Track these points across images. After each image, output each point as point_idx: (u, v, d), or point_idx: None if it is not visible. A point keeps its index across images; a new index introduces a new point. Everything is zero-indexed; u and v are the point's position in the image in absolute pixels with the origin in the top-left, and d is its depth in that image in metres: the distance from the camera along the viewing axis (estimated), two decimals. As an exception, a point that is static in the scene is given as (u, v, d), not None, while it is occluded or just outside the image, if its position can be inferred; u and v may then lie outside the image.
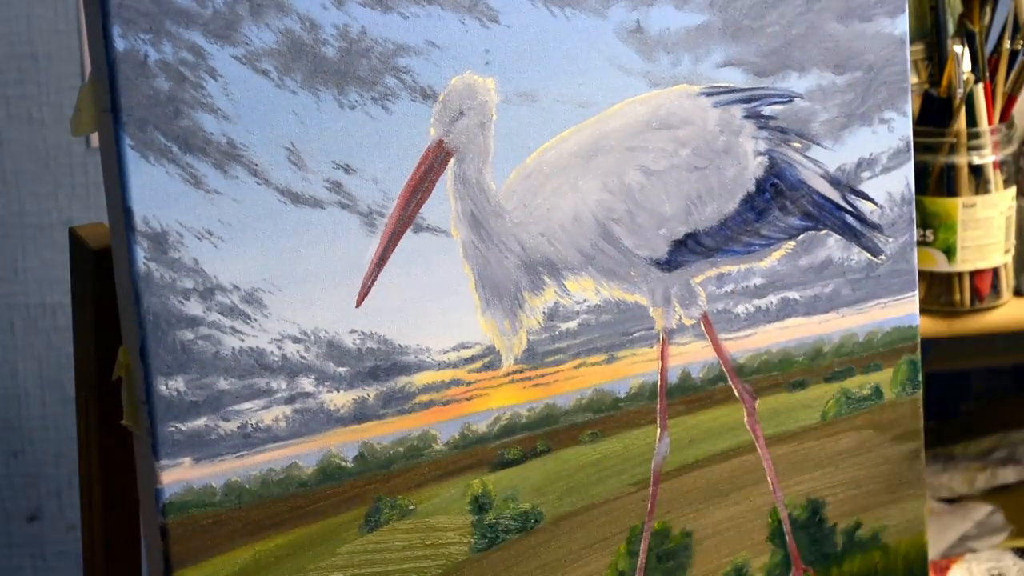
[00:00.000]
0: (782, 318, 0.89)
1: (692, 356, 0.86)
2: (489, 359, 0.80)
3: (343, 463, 0.76)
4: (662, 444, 0.86)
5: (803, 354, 0.90)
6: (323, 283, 0.75)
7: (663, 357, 0.85)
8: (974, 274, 1.31)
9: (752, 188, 0.86)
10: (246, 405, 0.74)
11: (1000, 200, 1.30)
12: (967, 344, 1.43)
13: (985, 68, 1.30)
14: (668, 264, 0.84)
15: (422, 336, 0.78)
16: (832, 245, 0.90)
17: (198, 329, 0.72)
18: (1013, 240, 1.33)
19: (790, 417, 0.90)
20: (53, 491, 1.50)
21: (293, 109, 0.73)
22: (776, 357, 0.89)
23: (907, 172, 0.92)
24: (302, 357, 0.74)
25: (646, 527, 0.86)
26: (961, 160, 1.29)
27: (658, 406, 0.85)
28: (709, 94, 0.84)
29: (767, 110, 0.86)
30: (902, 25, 0.90)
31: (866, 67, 0.89)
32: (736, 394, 0.88)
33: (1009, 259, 1.33)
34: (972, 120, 1.30)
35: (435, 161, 0.77)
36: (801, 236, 0.89)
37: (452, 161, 0.78)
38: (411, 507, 0.79)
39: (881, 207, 0.91)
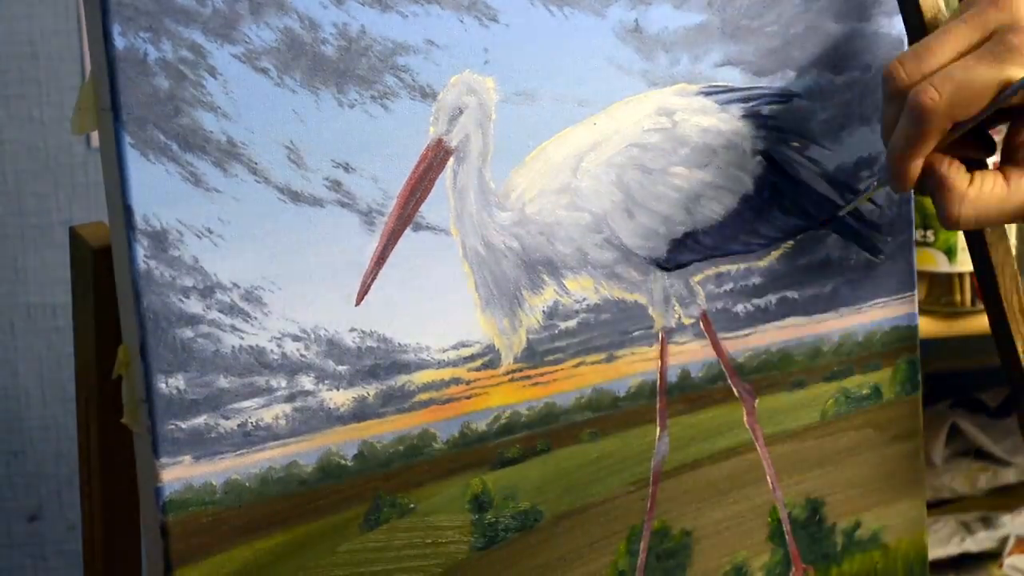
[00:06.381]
0: (781, 317, 0.89)
1: (691, 355, 0.86)
2: (489, 358, 0.80)
3: (343, 461, 0.76)
4: (661, 443, 0.86)
5: (802, 353, 0.90)
6: (323, 281, 0.75)
7: (662, 356, 0.85)
8: (974, 274, 1.32)
9: (751, 187, 0.86)
10: (246, 403, 0.74)
11: (1000, 200, 1.30)
12: (967, 344, 1.43)
13: (984, 68, 1.30)
14: (667, 263, 0.84)
15: (422, 334, 0.78)
16: (831, 244, 0.90)
17: (198, 327, 0.72)
18: (1013, 240, 1.33)
19: (789, 416, 0.90)
20: (53, 491, 1.50)
21: (293, 108, 0.73)
22: (775, 356, 0.89)
23: (906, 171, 0.92)
24: (302, 355, 0.75)
25: (646, 526, 0.86)
26: (960, 160, 1.29)
27: (657, 405, 0.85)
28: (708, 93, 0.84)
29: (766, 109, 0.86)
30: (900, 25, 0.90)
31: (864, 67, 0.89)
32: (735, 393, 0.88)
33: (1009, 259, 1.33)
34: (971, 120, 1.30)
35: (434, 160, 0.77)
36: (800, 235, 0.89)
37: (451, 160, 0.78)
38: (411, 506, 0.79)
39: (880, 207, 0.91)
